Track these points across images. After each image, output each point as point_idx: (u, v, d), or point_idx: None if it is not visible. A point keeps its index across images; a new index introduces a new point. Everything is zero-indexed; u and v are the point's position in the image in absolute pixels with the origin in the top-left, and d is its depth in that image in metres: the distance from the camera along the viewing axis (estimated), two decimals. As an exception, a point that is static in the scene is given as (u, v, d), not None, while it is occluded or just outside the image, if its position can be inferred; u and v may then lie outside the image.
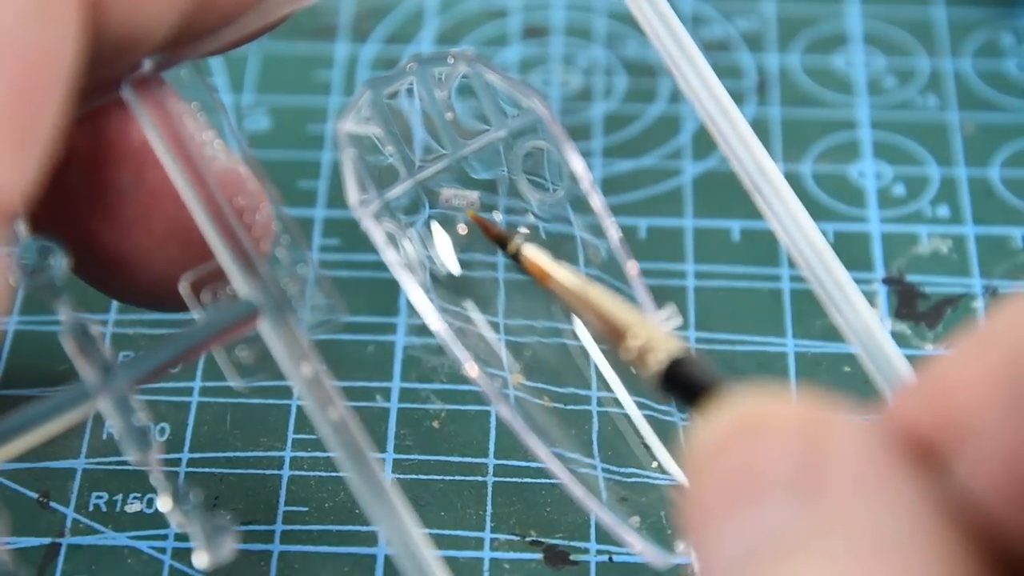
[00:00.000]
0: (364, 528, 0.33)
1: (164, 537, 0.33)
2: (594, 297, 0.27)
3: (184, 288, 0.26)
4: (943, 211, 0.39)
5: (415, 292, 0.30)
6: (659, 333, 0.25)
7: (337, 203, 0.39)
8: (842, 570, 0.17)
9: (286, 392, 0.35)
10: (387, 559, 0.32)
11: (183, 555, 0.32)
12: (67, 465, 0.34)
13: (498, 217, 0.32)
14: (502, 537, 0.33)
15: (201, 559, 0.25)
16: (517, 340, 0.32)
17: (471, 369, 0.30)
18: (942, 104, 0.42)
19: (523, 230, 0.32)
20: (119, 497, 0.34)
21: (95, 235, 0.29)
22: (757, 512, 0.18)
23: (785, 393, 0.20)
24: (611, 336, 0.26)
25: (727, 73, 0.42)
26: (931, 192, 0.40)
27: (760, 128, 0.40)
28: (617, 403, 0.32)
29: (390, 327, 0.37)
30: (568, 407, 0.32)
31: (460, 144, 0.31)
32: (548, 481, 0.33)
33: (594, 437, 0.33)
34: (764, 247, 0.38)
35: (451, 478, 0.34)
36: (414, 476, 0.34)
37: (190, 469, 0.34)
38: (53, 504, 0.33)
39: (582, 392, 0.32)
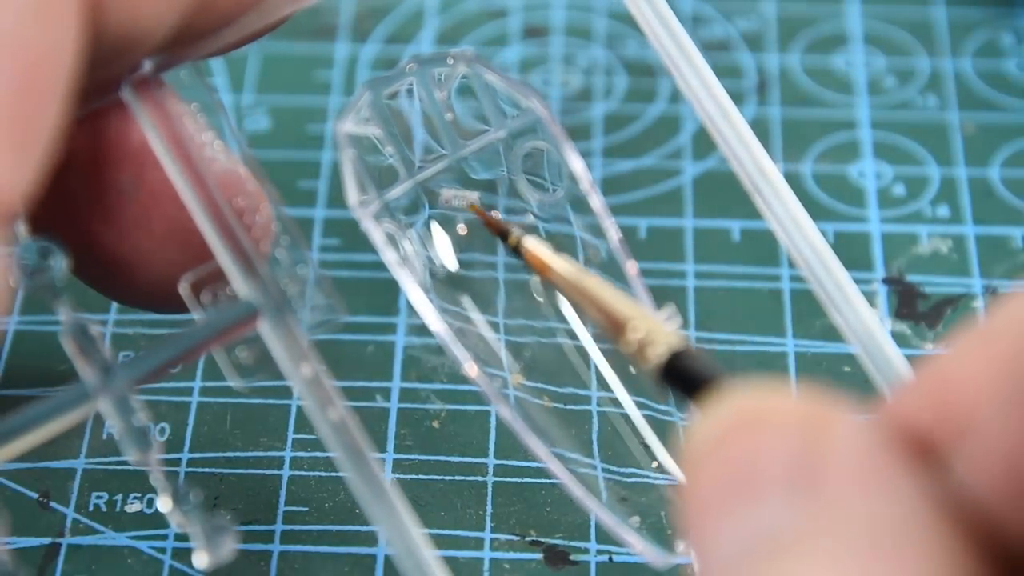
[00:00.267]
0: (364, 528, 0.33)
1: (164, 537, 0.33)
2: (594, 289, 0.27)
3: (184, 289, 0.26)
4: (943, 211, 0.39)
5: (415, 292, 0.30)
6: (659, 326, 0.25)
7: (337, 203, 0.39)
8: (840, 567, 0.17)
9: (286, 392, 0.35)
10: (387, 559, 0.32)
11: (183, 555, 0.32)
12: (67, 465, 0.34)
13: (498, 217, 0.32)
14: (502, 537, 0.33)
15: (201, 559, 0.25)
16: (517, 340, 0.32)
17: (471, 369, 0.30)
18: (942, 104, 0.42)
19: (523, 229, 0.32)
20: (119, 497, 0.34)
21: (95, 236, 0.29)
22: (755, 508, 0.18)
23: (784, 388, 0.20)
24: (611, 329, 0.26)
25: (727, 73, 0.42)
26: (931, 192, 0.40)
27: (760, 128, 0.40)
28: (617, 403, 0.32)
29: (390, 327, 0.37)
30: (568, 407, 0.32)
31: (460, 144, 0.31)
32: (548, 481, 0.33)
33: (594, 437, 0.33)
34: (764, 247, 0.38)
35: (451, 478, 0.34)
36: (414, 476, 0.34)
37: (190, 469, 0.34)
38: (53, 504, 0.33)
39: (582, 392, 0.32)
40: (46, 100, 0.23)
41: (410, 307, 0.32)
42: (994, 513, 0.18)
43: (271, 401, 0.35)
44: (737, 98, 0.35)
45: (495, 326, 0.32)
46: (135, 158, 0.28)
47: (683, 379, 0.24)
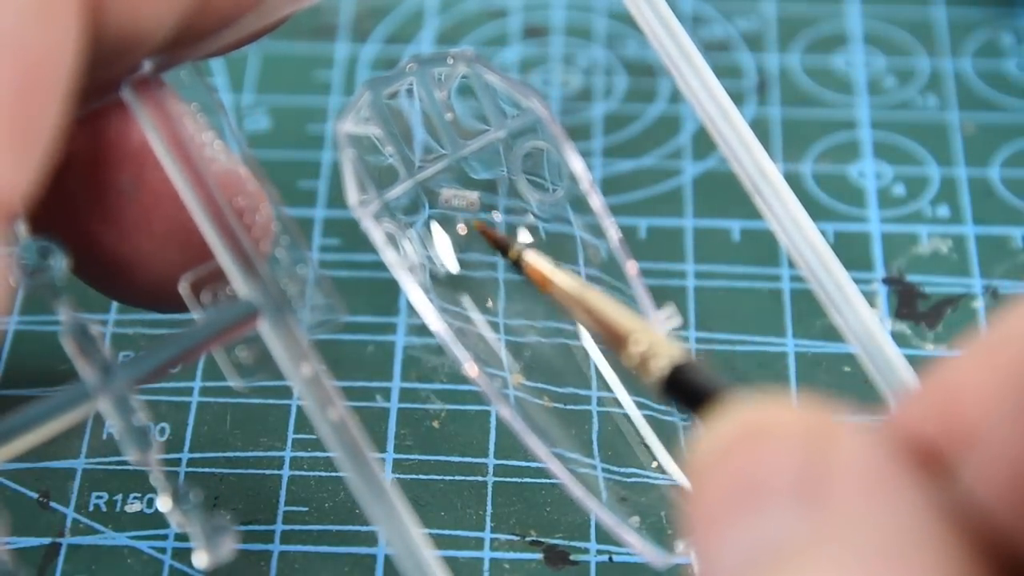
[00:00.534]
0: (364, 528, 0.33)
1: (164, 537, 0.33)
2: (596, 303, 0.27)
3: (184, 289, 0.26)
4: (943, 211, 0.39)
5: (415, 292, 0.30)
6: (661, 339, 0.25)
7: (337, 203, 0.39)
8: (846, 575, 0.17)
9: (286, 392, 0.35)
10: (387, 559, 0.32)
11: (183, 555, 0.32)
12: (67, 465, 0.34)
13: (498, 217, 0.32)
14: (502, 537, 0.33)
15: (201, 559, 0.25)
16: (517, 340, 0.32)
17: (471, 369, 0.30)
18: (942, 104, 0.42)
19: (524, 230, 0.32)
20: (119, 497, 0.34)
21: (95, 236, 0.29)
22: (760, 519, 0.18)
23: (788, 399, 0.20)
24: (613, 342, 0.26)
25: (727, 73, 0.42)
26: (931, 192, 0.40)
27: (760, 128, 0.40)
28: (617, 403, 0.32)
29: (390, 327, 0.37)
30: (568, 407, 0.32)
31: (460, 144, 0.31)
32: (548, 481, 0.33)
33: (594, 437, 0.33)
34: (764, 247, 0.38)
35: (451, 478, 0.34)
36: (414, 476, 0.34)
37: (190, 469, 0.34)
38: (53, 504, 0.33)
39: (582, 392, 0.32)
40: (46, 100, 0.23)
41: (410, 307, 0.32)
42: (1000, 522, 0.18)
43: (271, 401, 0.35)
44: (737, 98, 0.35)
45: (495, 326, 0.32)
46: (135, 158, 0.28)
47: (686, 392, 0.24)
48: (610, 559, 0.32)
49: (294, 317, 0.26)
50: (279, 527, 0.33)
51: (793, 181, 0.36)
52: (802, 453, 0.19)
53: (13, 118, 0.22)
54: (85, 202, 0.28)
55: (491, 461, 0.34)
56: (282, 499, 0.33)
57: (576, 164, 0.32)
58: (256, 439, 0.34)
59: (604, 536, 0.32)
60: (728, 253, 0.38)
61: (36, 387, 0.35)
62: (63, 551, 0.33)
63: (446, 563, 0.24)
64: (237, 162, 0.28)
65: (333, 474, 0.34)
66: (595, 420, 0.33)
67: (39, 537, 0.33)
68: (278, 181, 0.28)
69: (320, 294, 0.27)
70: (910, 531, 0.18)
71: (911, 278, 0.38)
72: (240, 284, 0.26)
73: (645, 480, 0.31)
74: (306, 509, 0.33)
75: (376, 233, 0.30)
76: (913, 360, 0.26)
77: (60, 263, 0.25)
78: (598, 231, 0.32)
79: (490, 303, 0.32)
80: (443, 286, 0.31)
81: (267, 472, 0.34)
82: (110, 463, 0.34)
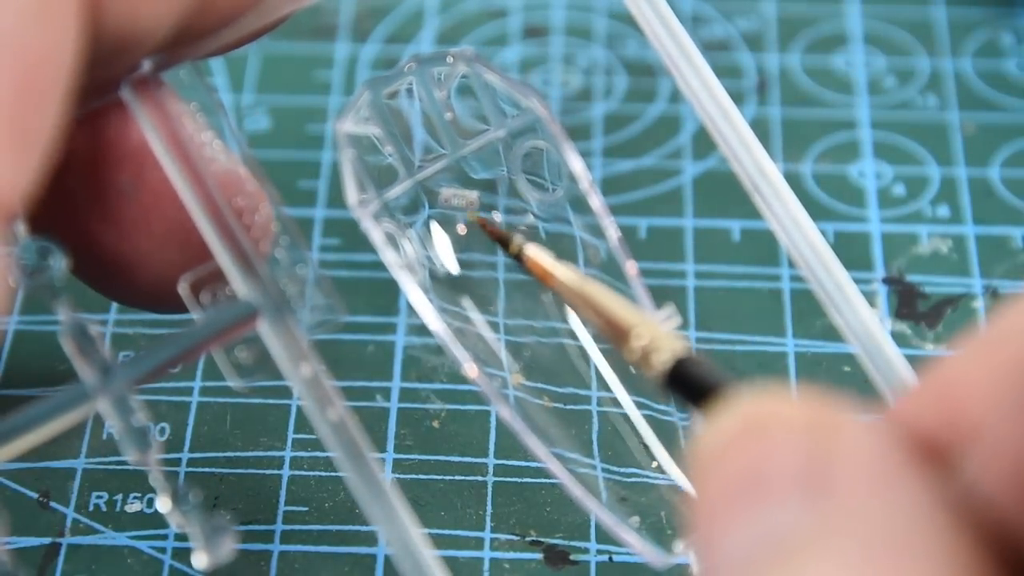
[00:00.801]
0: (364, 528, 0.33)
1: (164, 537, 0.33)
2: (597, 297, 0.27)
3: (183, 289, 0.26)
4: (943, 211, 0.39)
5: (414, 292, 0.30)
6: (663, 333, 0.25)
7: (337, 203, 0.39)
8: (851, 567, 0.17)
9: (286, 392, 0.35)
10: (387, 559, 0.32)
11: (183, 555, 0.32)
12: (67, 465, 0.34)
13: (498, 217, 0.32)
14: (502, 537, 0.33)
15: (201, 559, 0.25)
16: (516, 340, 0.32)
17: (471, 369, 0.30)
18: (942, 104, 0.42)
19: (523, 230, 0.32)
20: (119, 497, 0.34)
21: (95, 236, 0.29)
22: (764, 512, 0.18)
23: (788, 393, 0.20)
24: (614, 337, 0.26)
25: (727, 73, 0.42)
26: (931, 192, 0.40)
27: (760, 128, 0.40)
28: (617, 403, 0.32)
29: (390, 327, 0.37)
30: (568, 407, 0.32)
31: (459, 144, 0.31)
32: (548, 481, 0.33)
33: (594, 437, 0.33)
34: (764, 247, 0.38)
35: (451, 478, 0.34)
36: (414, 476, 0.34)
37: (190, 469, 0.34)
38: (53, 504, 0.33)
39: (582, 392, 0.32)
40: (46, 100, 0.23)
41: (410, 307, 0.32)
42: (1003, 516, 0.18)
43: (271, 401, 0.35)
44: (737, 98, 0.35)
45: (495, 326, 0.32)
46: (135, 158, 0.28)
47: (688, 386, 0.24)
48: (610, 559, 0.32)
49: (294, 317, 0.26)
50: (279, 527, 0.33)
51: (793, 181, 0.36)
52: (805, 446, 0.19)
53: (12, 118, 0.22)
54: (85, 202, 0.28)
55: (491, 461, 0.34)
56: (282, 499, 0.33)
57: (576, 164, 0.32)
58: (256, 439, 0.34)
59: (604, 536, 0.32)
60: (728, 253, 0.38)
61: (36, 387, 0.35)
62: (63, 551, 0.33)
63: (446, 563, 0.24)
64: (237, 162, 0.28)
65: (333, 474, 0.34)
66: (595, 420, 0.33)
67: (39, 537, 0.33)
68: (278, 181, 0.28)
69: (320, 294, 0.27)
70: (915, 523, 0.18)
71: (911, 278, 0.38)
72: (239, 284, 0.26)
73: (645, 480, 0.31)
74: (306, 509, 0.33)
75: (376, 233, 0.30)
76: (913, 360, 0.26)
77: (59, 263, 0.25)
78: (598, 231, 0.32)
79: (490, 303, 0.32)
80: (443, 286, 0.31)
81: (267, 472, 0.34)
82: (110, 463, 0.34)
